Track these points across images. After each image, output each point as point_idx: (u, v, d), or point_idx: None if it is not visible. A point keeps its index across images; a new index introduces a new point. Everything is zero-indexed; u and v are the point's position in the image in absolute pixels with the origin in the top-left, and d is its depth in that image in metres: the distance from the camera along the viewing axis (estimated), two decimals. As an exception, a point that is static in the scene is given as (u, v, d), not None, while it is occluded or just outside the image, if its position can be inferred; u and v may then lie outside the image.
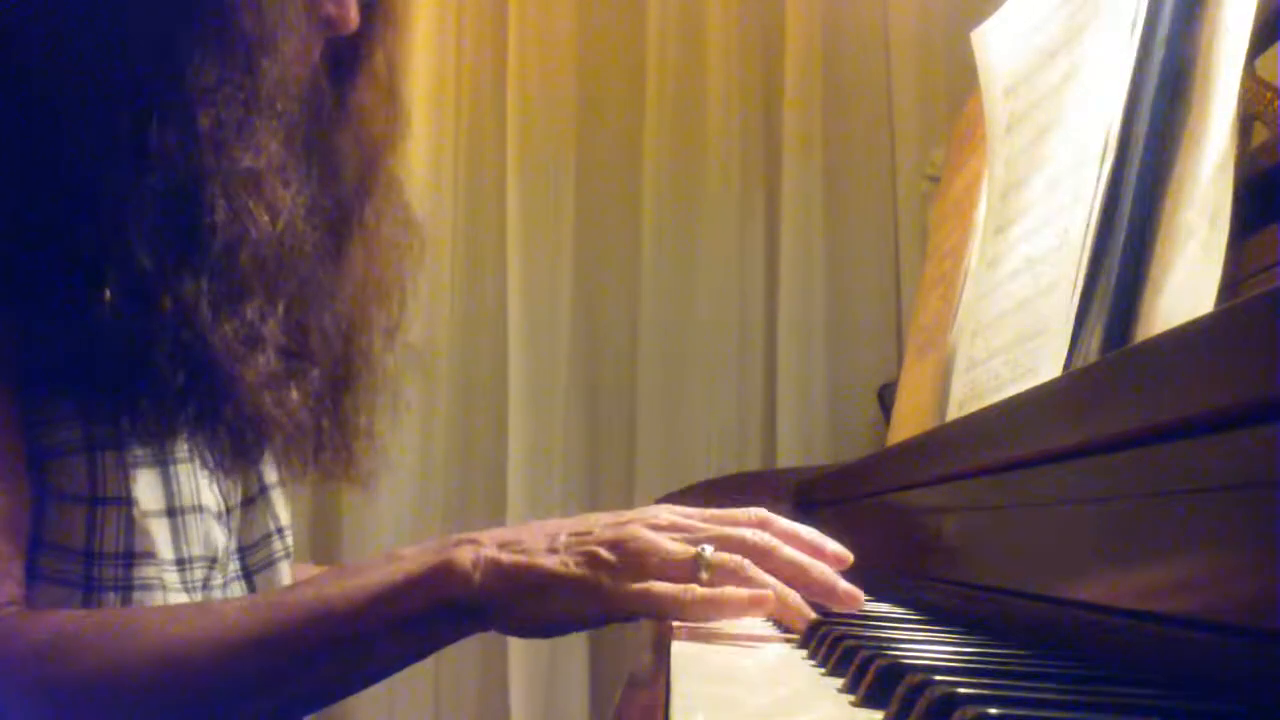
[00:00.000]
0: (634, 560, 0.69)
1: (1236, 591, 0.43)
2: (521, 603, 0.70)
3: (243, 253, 0.71)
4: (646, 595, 0.68)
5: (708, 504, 1.48)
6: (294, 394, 0.77)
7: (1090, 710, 0.43)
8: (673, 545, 0.71)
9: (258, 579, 0.86)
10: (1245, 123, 0.66)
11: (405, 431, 2.18)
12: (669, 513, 0.74)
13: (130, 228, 0.69)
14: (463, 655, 2.13)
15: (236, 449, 0.76)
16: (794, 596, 0.72)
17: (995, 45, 1.03)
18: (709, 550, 0.71)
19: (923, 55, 2.15)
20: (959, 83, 1.77)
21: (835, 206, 2.17)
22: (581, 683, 2.12)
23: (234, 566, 0.85)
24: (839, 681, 0.55)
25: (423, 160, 2.24)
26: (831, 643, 0.62)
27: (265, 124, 0.73)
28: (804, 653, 0.67)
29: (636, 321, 2.20)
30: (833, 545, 0.77)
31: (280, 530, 0.89)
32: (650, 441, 2.16)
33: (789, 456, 2.07)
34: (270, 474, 0.89)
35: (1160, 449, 0.48)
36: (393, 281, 0.93)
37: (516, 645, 2.09)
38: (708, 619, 0.70)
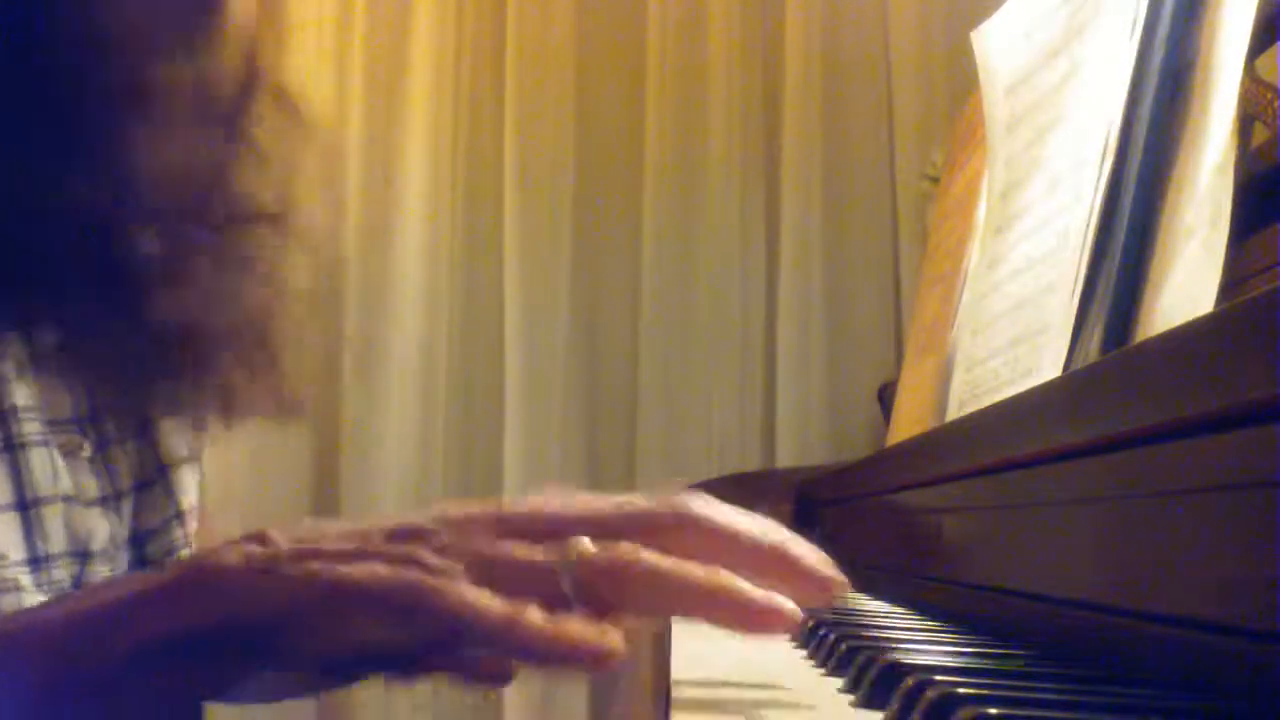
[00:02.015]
0: (469, 568, 0.47)
1: (1236, 591, 0.43)
2: (308, 627, 0.47)
3: None
4: (463, 611, 0.45)
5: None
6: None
7: (1090, 710, 0.43)
8: (529, 552, 0.48)
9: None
10: (1245, 123, 0.66)
11: (402, 432, 2.19)
12: (560, 503, 0.52)
13: None
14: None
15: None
16: (732, 583, 0.47)
17: (995, 45, 1.03)
18: (584, 546, 0.47)
19: (923, 55, 2.16)
20: (959, 83, 1.77)
21: (835, 207, 2.18)
22: (581, 682, 2.12)
23: (127, 556, 0.74)
24: (839, 681, 0.55)
25: (422, 159, 2.24)
26: (832, 643, 0.62)
27: None
28: (804, 653, 0.67)
29: (636, 321, 2.20)
30: (810, 558, 0.50)
31: (180, 515, 0.77)
32: (650, 441, 2.16)
33: (789, 456, 2.07)
34: (174, 451, 0.77)
35: (1160, 449, 0.48)
36: (277, 167, 0.74)
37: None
38: (548, 659, 0.45)
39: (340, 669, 0.50)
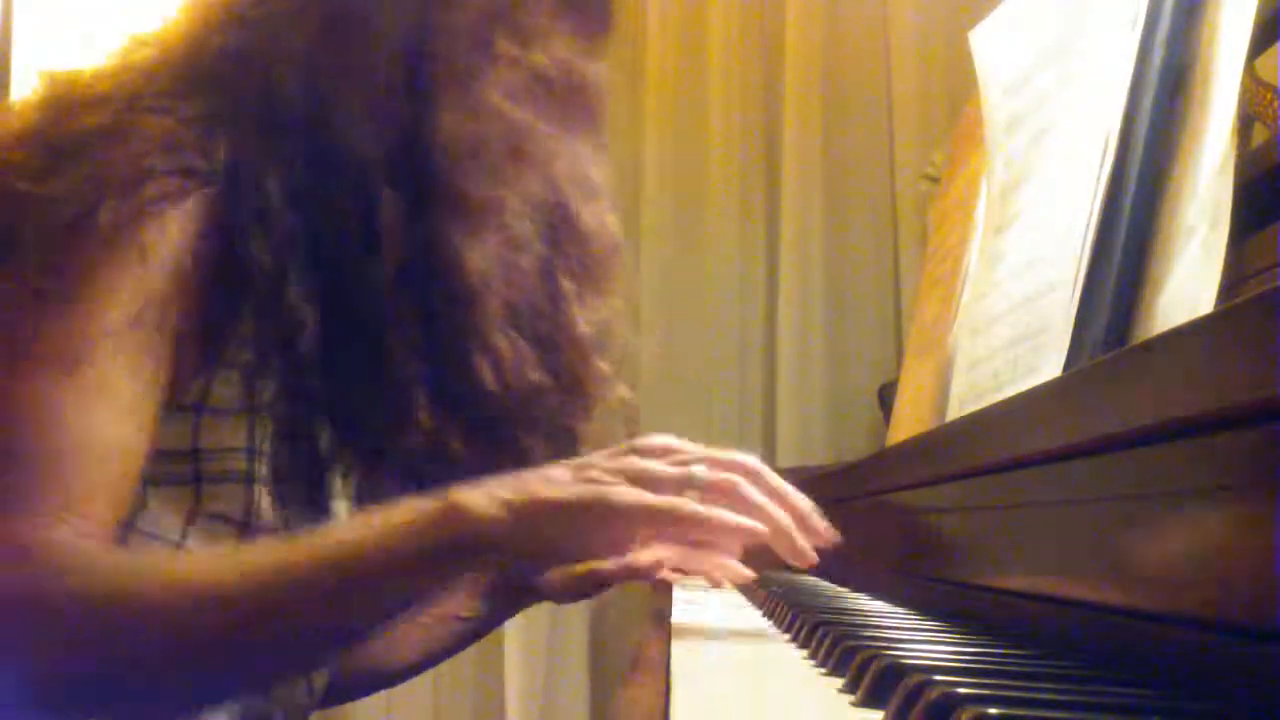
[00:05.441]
0: (631, 481, 0.73)
1: (1236, 591, 0.43)
2: (536, 534, 0.71)
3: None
4: (642, 505, 0.71)
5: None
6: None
7: (1090, 710, 0.43)
8: (666, 467, 0.75)
9: None
10: (1245, 123, 0.66)
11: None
12: (661, 440, 0.79)
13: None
14: (460, 655, 2.12)
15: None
16: (788, 521, 0.76)
17: (994, 45, 1.03)
18: (701, 469, 0.75)
19: (923, 55, 2.15)
20: (959, 83, 1.77)
21: (835, 207, 2.17)
22: (581, 683, 2.12)
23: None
24: (839, 681, 0.55)
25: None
26: (831, 643, 0.62)
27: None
28: (804, 652, 0.67)
29: (636, 321, 2.20)
30: (820, 522, 0.79)
31: None
32: (650, 441, 2.15)
33: (789, 456, 2.07)
34: None
35: (1160, 449, 0.48)
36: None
37: (513, 645, 2.09)
38: (701, 534, 0.75)
39: (562, 554, 0.81)
